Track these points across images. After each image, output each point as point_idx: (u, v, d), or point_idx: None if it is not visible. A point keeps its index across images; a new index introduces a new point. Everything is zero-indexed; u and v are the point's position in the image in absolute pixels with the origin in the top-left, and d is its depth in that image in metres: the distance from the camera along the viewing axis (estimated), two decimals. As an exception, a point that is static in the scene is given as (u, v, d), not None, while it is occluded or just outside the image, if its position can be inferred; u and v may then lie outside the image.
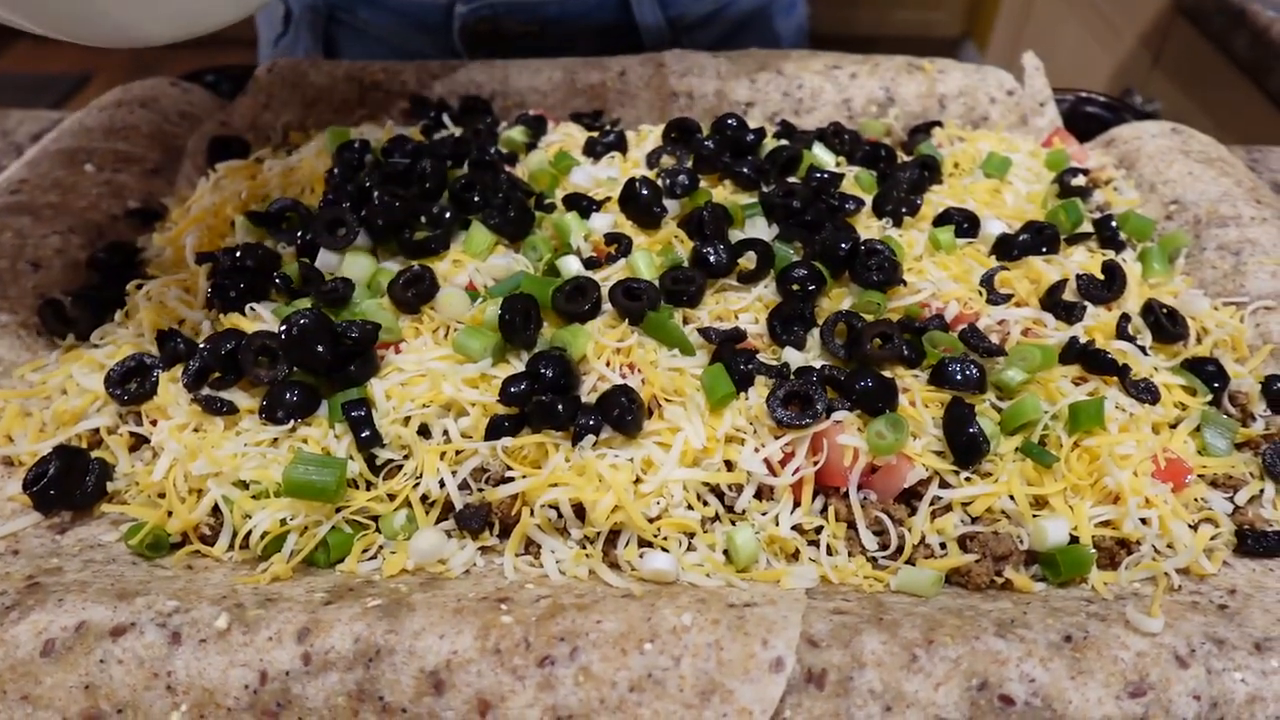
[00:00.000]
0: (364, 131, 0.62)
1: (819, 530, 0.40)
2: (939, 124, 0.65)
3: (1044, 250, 0.51)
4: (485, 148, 0.57)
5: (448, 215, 0.50)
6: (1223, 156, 0.61)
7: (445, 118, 0.63)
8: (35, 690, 0.33)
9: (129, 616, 0.34)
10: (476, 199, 0.51)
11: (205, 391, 0.42)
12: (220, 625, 0.34)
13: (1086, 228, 0.54)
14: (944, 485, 0.41)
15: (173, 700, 0.33)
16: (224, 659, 0.33)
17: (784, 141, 0.58)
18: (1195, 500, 0.42)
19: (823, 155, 0.59)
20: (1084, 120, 0.69)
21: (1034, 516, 0.40)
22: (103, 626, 0.34)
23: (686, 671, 0.32)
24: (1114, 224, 0.54)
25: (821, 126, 0.62)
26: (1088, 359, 0.45)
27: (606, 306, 0.46)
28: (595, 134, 0.60)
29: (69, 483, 0.40)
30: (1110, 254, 0.53)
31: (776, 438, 0.41)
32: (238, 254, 0.48)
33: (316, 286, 0.46)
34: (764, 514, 0.40)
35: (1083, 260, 0.52)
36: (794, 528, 0.40)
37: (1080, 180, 0.57)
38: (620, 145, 0.59)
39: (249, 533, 0.39)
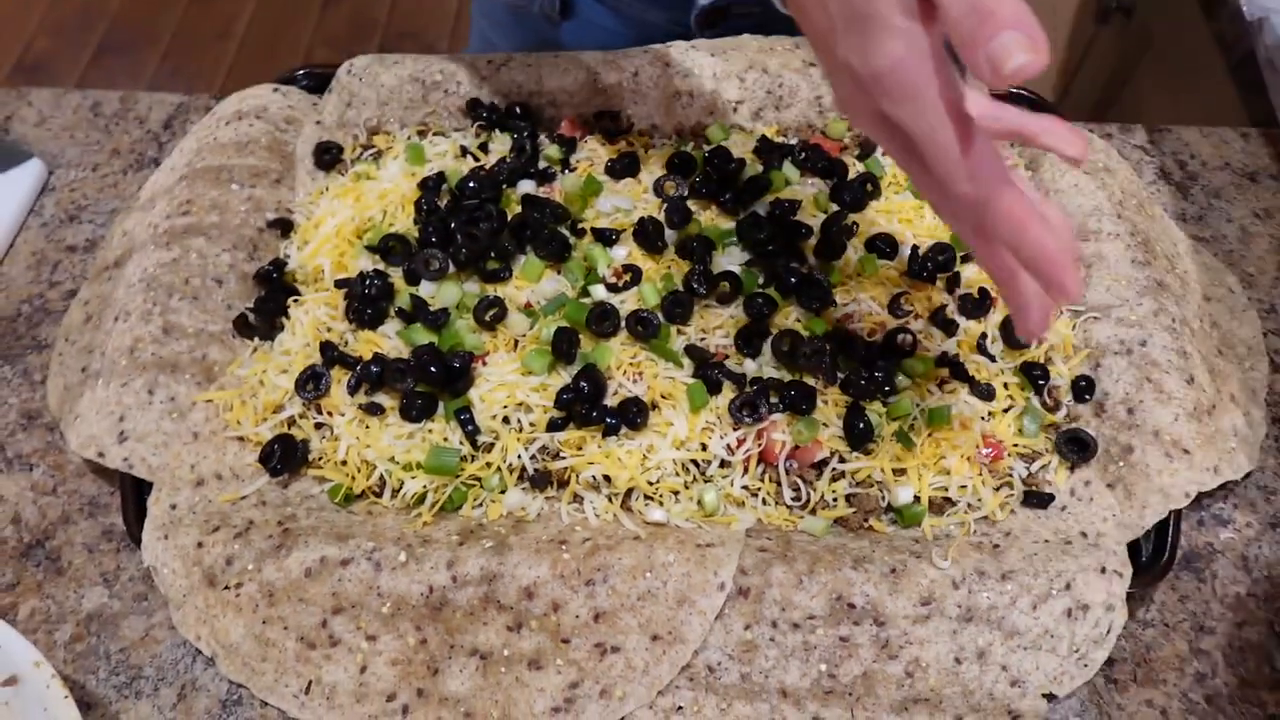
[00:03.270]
0: (433, 142, 0.79)
1: (758, 489, 0.63)
2: (890, 126, 0.81)
3: (942, 270, 0.70)
4: (530, 169, 0.75)
5: (509, 247, 0.70)
6: (1108, 165, 0.78)
7: (495, 128, 0.79)
8: (306, 595, 0.58)
9: (349, 553, 0.58)
10: (529, 232, 0.70)
11: (363, 398, 0.64)
12: (401, 559, 0.58)
13: (979, 246, 0.73)
14: (841, 460, 0.64)
15: (381, 600, 0.58)
16: (407, 579, 0.58)
17: (760, 166, 0.76)
18: (1005, 469, 0.64)
19: (790, 171, 0.76)
20: (1013, 111, 0.84)
21: (895, 482, 0.63)
22: (334, 559, 0.58)
23: (670, 590, 0.57)
24: (999, 245, 0.72)
25: (790, 139, 0.79)
26: (952, 368, 0.66)
27: (624, 328, 0.67)
28: (614, 154, 0.77)
29: (287, 457, 0.63)
30: (993, 269, 0.72)
31: (734, 430, 0.63)
32: (365, 282, 0.68)
33: (424, 315, 0.67)
34: (724, 478, 0.63)
35: (970, 276, 0.71)
36: (743, 487, 0.63)
37: (985, 198, 0.75)
38: (634, 169, 0.76)
39: (403, 492, 0.63)
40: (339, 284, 0.70)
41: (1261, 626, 0.61)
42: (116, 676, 0.59)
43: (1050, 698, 0.58)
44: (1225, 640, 0.61)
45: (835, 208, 0.74)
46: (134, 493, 0.62)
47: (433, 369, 0.63)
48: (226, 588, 0.58)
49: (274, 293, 0.71)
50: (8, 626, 0.49)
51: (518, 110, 0.81)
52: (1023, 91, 0.84)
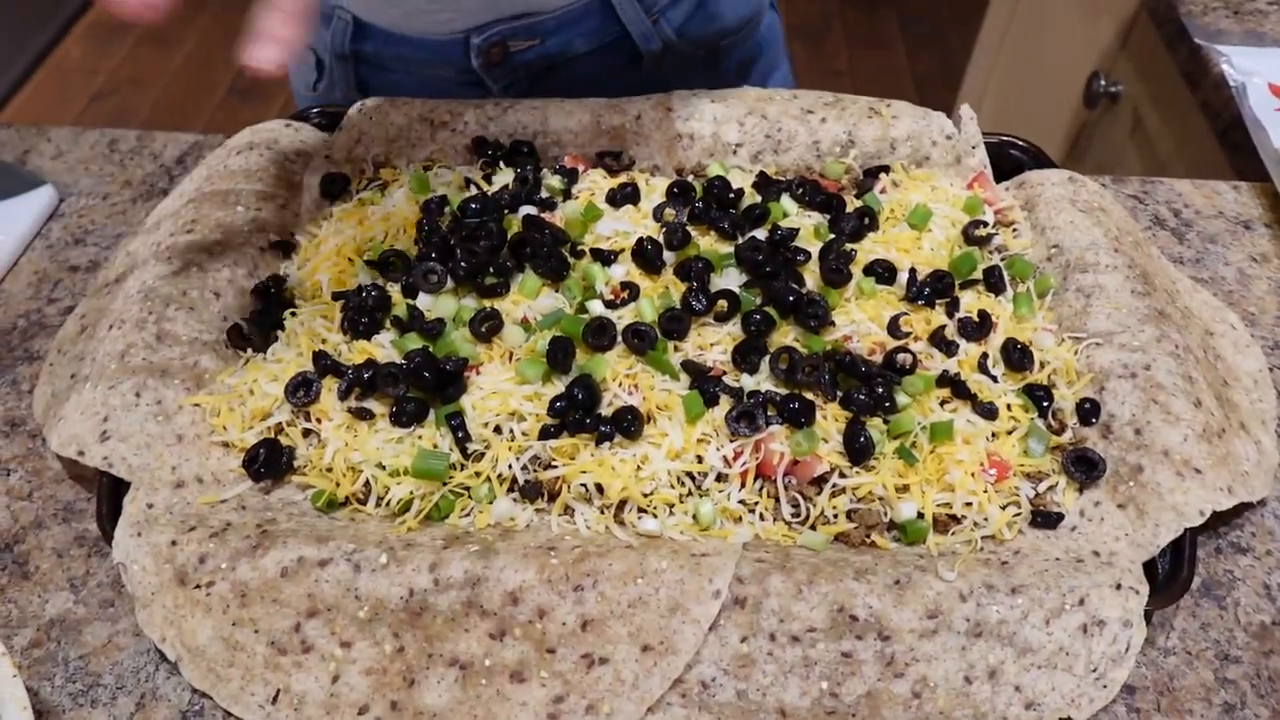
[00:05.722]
0: (438, 174, 0.81)
1: (755, 504, 0.61)
2: (887, 169, 0.82)
3: (941, 296, 0.70)
4: (532, 196, 0.76)
5: (509, 265, 0.70)
6: (1103, 205, 0.78)
7: (500, 163, 0.81)
8: (280, 596, 0.55)
9: (328, 554, 0.56)
10: (528, 250, 0.71)
11: (353, 403, 0.63)
12: (382, 561, 0.56)
13: (977, 274, 0.73)
14: (841, 475, 0.62)
15: (359, 604, 0.55)
16: (387, 581, 0.55)
17: (758, 197, 0.77)
18: (1012, 488, 0.62)
19: (788, 204, 0.77)
20: (1008, 159, 0.85)
21: (898, 498, 0.61)
22: (313, 559, 0.56)
23: (662, 597, 0.54)
24: (997, 273, 0.72)
25: (789, 178, 0.80)
26: (953, 386, 0.65)
27: (620, 341, 0.66)
28: (615, 184, 0.78)
29: (271, 463, 0.62)
30: (992, 296, 0.72)
31: (731, 442, 0.62)
32: (362, 294, 0.68)
33: (419, 324, 0.66)
34: (721, 492, 0.61)
35: (969, 302, 0.71)
36: (740, 502, 0.61)
37: (981, 231, 0.75)
38: (634, 197, 0.77)
39: (388, 499, 0.60)
40: (336, 296, 0.69)
41: (1290, 657, 0.58)
42: (73, 684, 0.56)
43: (1068, 724, 0.54)
44: (1253, 670, 0.57)
45: (833, 237, 0.75)
46: (111, 492, 0.60)
47: (425, 373, 0.62)
48: (197, 586, 0.55)
49: (270, 306, 0.70)
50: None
51: (523, 148, 0.83)
52: (1019, 140, 0.86)
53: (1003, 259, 0.76)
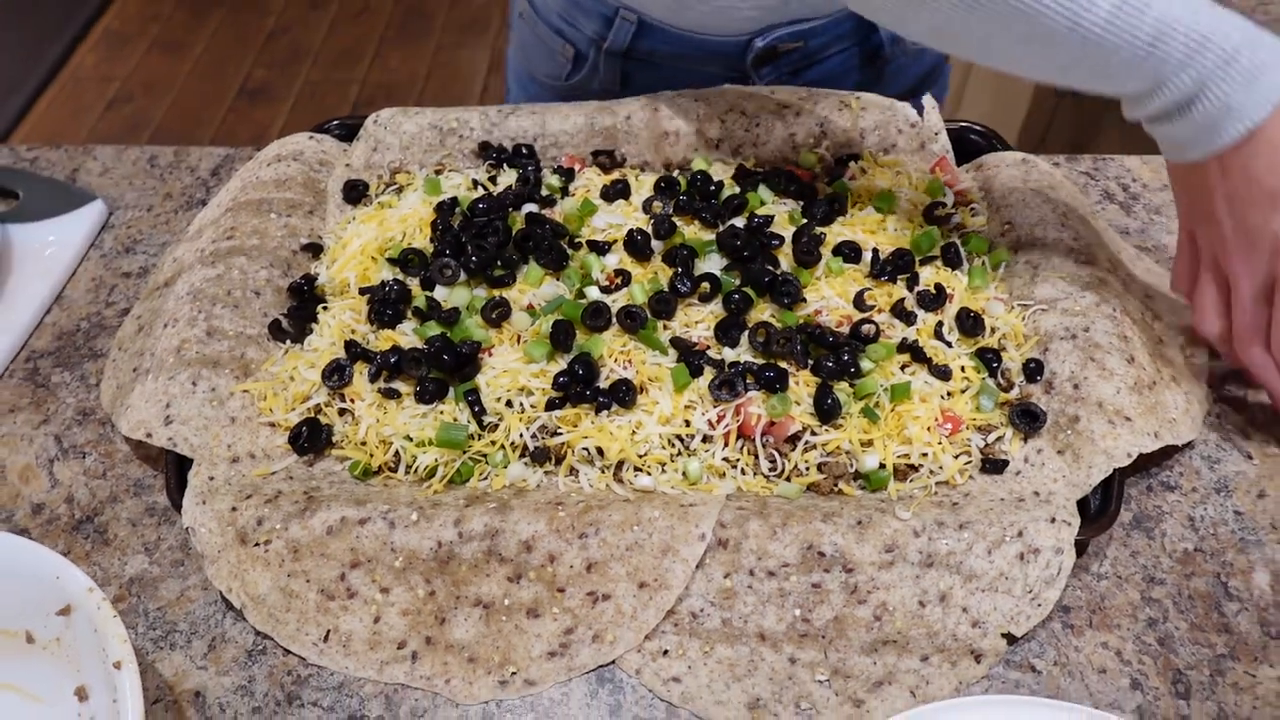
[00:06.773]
0: (448, 177, 0.89)
1: (737, 461, 0.70)
2: (856, 156, 0.90)
3: (902, 272, 0.78)
4: (534, 195, 0.85)
5: (514, 257, 0.79)
6: (1052, 184, 0.86)
7: (504, 165, 0.90)
8: (327, 551, 0.64)
9: (366, 513, 0.65)
10: (531, 244, 0.79)
11: (382, 384, 0.72)
12: (413, 518, 0.65)
13: (935, 252, 0.81)
14: (812, 434, 0.70)
15: (395, 555, 0.64)
16: (418, 535, 0.64)
17: (737, 188, 0.85)
18: (964, 440, 0.70)
19: (765, 193, 0.85)
20: (968, 144, 0.93)
21: (862, 451, 0.69)
22: (353, 519, 0.65)
23: (655, 541, 0.63)
24: (954, 249, 0.80)
25: (767, 169, 0.88)
26: (912, 351, 0.73)
27: (615, 322, 0.75)
28: (608, 181, 0.87)
29: (313, 439, 0.71)
30: (949, 270, 0.80)
31: (714, 407, 0.70)
32: (385, 288, 0.77)
33: (437, 313, 0.75)
34: (706, 451, 0.70)
35: (928, 277, 0.79)
36: (723, 459, 0.69)
37: (941, 211, 0.83)
38: (625, 192, 0.86)
39: (416, 466, 0.69)
40: (362, 291, 0.78)
41: (1210, 578, 0.66)
42: (154, 631, 0.65)
43: (1010, 639, 0.62)
44: (1175, 590, 0.65)
45: (805, 222, 0.83)
46: (176, 469, 0.69)
47: (445, 356, 0.71)
48: (256, 544, 0.65)
49: (305, 302, 0.79)
50: (62, 558, 0.55)
51: (524, 150, 0.91)
52: (977, 125, 0.94)
53: (961, 236, 0.83)
